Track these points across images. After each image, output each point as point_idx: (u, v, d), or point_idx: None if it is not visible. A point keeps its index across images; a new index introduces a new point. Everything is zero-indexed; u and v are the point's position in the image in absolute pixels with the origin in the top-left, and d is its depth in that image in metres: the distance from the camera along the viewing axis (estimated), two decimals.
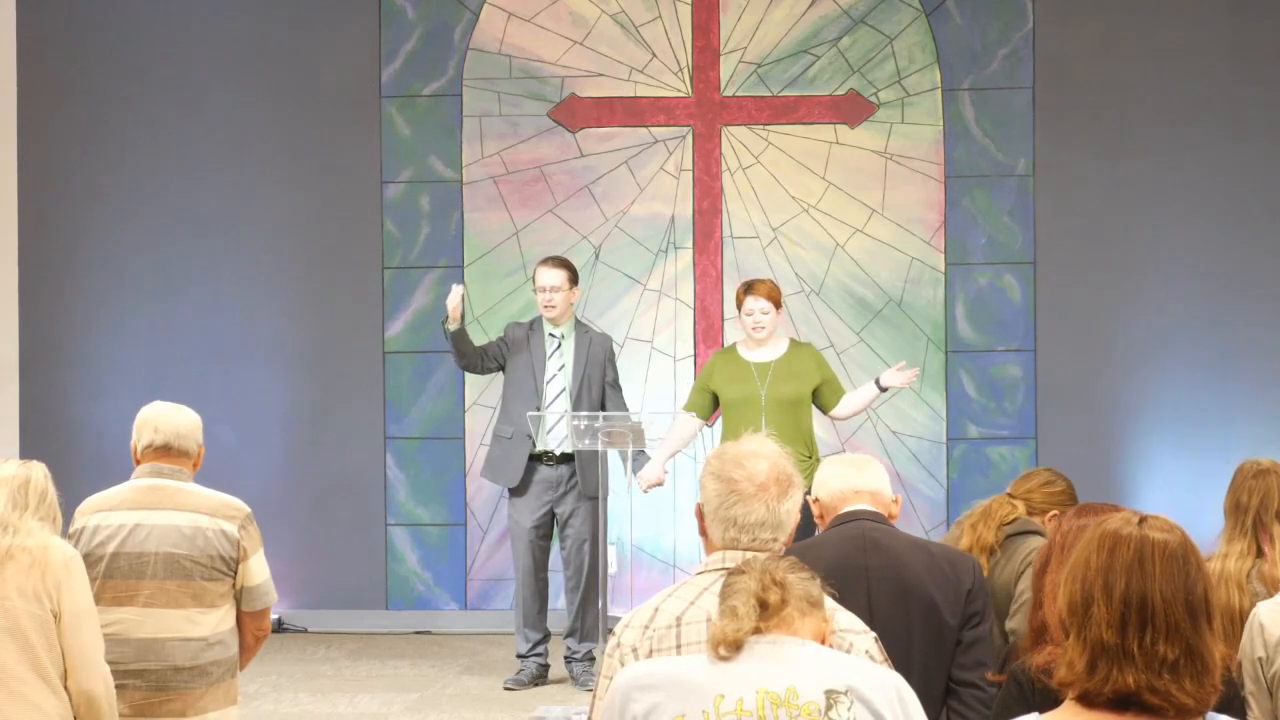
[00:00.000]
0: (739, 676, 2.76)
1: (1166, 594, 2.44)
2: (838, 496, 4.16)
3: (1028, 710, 2.60)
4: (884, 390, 7.42)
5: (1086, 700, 2.44)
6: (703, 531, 3.29)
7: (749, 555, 3.08)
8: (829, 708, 2.72)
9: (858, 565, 3.94)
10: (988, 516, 5.14)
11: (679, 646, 3.05)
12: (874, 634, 3.15)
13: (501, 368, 7.73)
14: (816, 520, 4.25)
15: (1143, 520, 2.52)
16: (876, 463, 4.29)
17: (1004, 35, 9.10)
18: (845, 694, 2.74)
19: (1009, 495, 5.28)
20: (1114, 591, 2.45)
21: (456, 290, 7.48)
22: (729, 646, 2.78)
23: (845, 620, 3.13)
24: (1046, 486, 5.31)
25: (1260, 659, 3.80)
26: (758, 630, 2.80)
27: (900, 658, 3.56)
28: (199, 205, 9.26)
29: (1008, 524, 5.10)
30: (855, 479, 4.18)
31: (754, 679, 2.75)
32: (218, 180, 9.25)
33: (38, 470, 4.23)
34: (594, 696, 3.13)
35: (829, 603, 3.04)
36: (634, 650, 3.06)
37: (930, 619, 3.95)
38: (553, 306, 7.62)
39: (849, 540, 4.03)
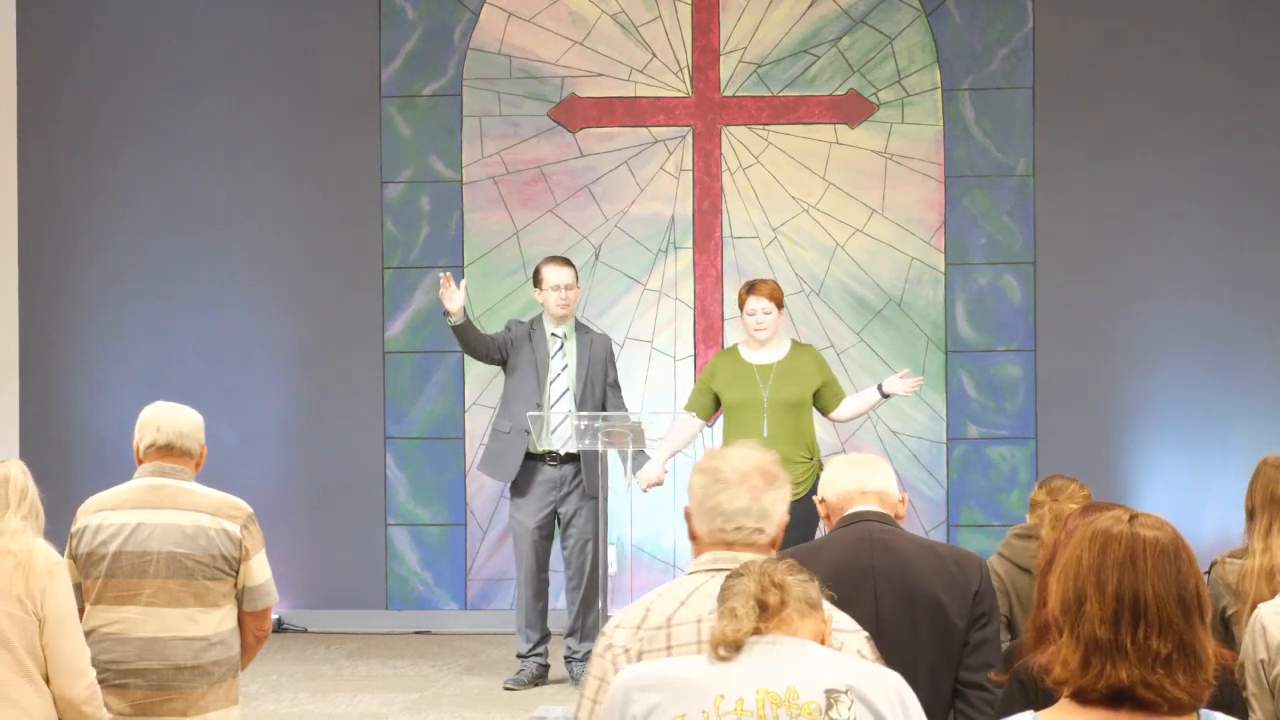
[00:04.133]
0: (739, 676, 2.76)
1: (1159, 589, 2.44)
2: (844, 497, 4.13)
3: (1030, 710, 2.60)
4: (886, 396, 7.41)
5: (1081, 697, 2.45)
6: (692, 535, 3.28)
7: (739, 555, 3.09)
8: (829, 707, 2.73)
9: (864, 567, 3.92)
10: (1067, 496, 5.13)
11: (669, 648, 3.04)
12: (865, 633, 3.14)
13: (504, 361, 7.70)
14: (823, 520, 4.23)
15: (1133, 518, 2.53)
16: (884, 462, 4.26)
17: (1004, 35, 9.10)
18: (845, 693, 2.74)
19: (1054, 501, 5.24)
20: (1106, 588, 2.45)
21: (461, 284, 7.43)
22: (728, 647, 2.78)
23: (837, 619, 3.13)
24: (1082, 489, 5.29)
25: (1263, 661, 3.80)
26: (757, 631, 2.80)
27: (907, 659, 3.55)
28: (199, 205, 9.26)
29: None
30: (862, 479, 4.15)
31: (754, 679, 2.75)
32: (218, 180, 9.26)
33: (16, 468, 4.22)
34: (580, 695, 3.12)
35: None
36: (626, 651, 3.06)
37: (937, 620, 3.93)
38: (567, 304, 7.61)
39: (855, 541, 4.00)
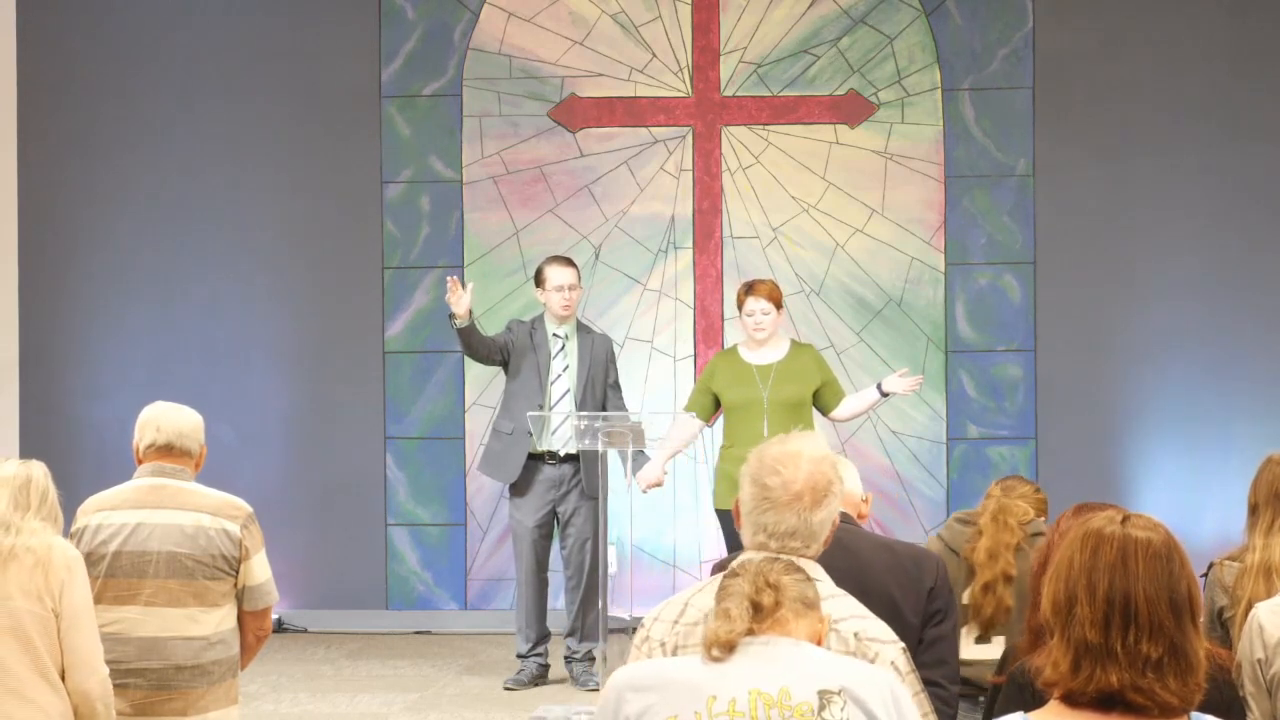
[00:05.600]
0: (732, 677, 2.76)
1: (1150, 593, 2.44)
2: None
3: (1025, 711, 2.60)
4: (885, 396, 7.42)
5: (1071, 700, 2.44)
6: (739, 526, 3.29)
7: (782, 559, 3.09)
8: (822, 708, 2.72)
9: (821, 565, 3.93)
10: (1005, 514, 5.12)
11: None
12: (902, 644, 3.14)
13: (506, 362, 7.70)
14: None
15: (1126, 519, 2.52)
16: (847, 462, 4.29)
17: (1004, 35, 9.10)
18: (838, 694, 2.74)
19: (1005, 496, 5.26)
20: (1097, 590, 2.44)
21: (468, 287, 7.43)
22: (721, 648, 2.79)
23: (873, 629, 3.13)
24: (1037, 493, 5.32)
25: (1260, 660, 3.79)
26: (751, 632, 2.80)
27: None
28: (199, 205, 9.26)
29: (1026, 523, 5.11)
30: None
31: (747, 679, 2.75)
32: (218, 180, 9.26)
33: (38, 470, 4.24)
34: None
35: (856, 608, 3.05)
36: (662, 645, 3.07)
37: (892, 618, 3.94)
38: (570, 305, 7.61)
39: None
